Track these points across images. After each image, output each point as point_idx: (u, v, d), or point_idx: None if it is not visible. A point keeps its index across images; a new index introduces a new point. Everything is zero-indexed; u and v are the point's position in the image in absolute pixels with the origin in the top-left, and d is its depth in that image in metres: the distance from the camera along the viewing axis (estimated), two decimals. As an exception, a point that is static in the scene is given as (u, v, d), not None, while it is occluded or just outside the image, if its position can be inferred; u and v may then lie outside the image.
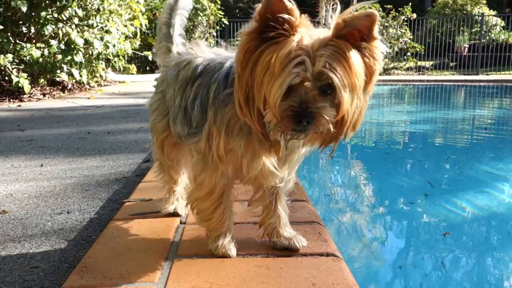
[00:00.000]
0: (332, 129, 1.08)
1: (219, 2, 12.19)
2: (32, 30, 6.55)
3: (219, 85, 1.27)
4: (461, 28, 14.82)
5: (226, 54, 1.39)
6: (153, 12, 10.38)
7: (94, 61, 7.52)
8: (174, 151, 1.60)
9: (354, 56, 1.04)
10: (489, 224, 2.52)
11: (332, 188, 3.14)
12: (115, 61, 8.48)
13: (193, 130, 1.35)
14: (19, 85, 6.05)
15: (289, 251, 1.38)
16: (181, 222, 1.63)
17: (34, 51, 6.11)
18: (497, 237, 2.41)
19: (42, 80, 6.88)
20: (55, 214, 1.94)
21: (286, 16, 1.02)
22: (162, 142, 1.57)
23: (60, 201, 2.12)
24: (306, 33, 1.05)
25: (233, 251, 1.35)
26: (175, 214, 1.68)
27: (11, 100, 6.42)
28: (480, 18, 14.63)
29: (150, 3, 10.31)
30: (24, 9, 5.89)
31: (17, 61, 6.25)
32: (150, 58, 10.66)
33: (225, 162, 1.25)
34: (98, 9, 7.20)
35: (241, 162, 1.24)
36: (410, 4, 13.39)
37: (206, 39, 12.63)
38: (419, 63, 13.74)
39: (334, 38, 1.04)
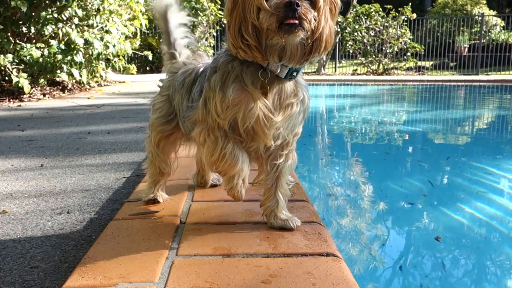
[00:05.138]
0: (312, 29, 1.23)
1: (219, 2, 12.19)
2: (32, 30, 6.54)
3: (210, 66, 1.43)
4: (461, 28, 14.84)
5: None
6: (153, 12, 10.36)
7: (94, 61, 7.52)
8: (168, 146, 1.76)
9: None
10: (489, 225, 2.52)
11: (332, 188, 3.14)
12: (115, 61, 8.48)
13: (191, 104, 1.48)
14: (19, 85, 6.05)
15: (284, 230, 1.52)
16: (181, 222, 1.63)
17: (34, 51, 6.10)
18: (497, 238, 2.41)
19: (42, 80, 6.88)
20: (55, 214, 1.94)
21: None
22: (161, 139, 1.72)
23: (60, 201, 2.12)
24: None
25: (242, 193, 1.45)
26: (154, 201, 1.81)
27: (11, 100, 6.42)
28: (480, 18, 14.64)
29: (150, 3, 10.30)
30: (24, 9, 5.89)
31: (17, 61, 6.24)
32: (150, 58, 10.67)
33: (222, 117, 1.35)
34: (98, 9, 7.20)
35: (238, 110, 1.33)
36: (410, 4, 13.38)
37: (206, 39, 12.63)
38: (419, 63, 13.72)
39: None
